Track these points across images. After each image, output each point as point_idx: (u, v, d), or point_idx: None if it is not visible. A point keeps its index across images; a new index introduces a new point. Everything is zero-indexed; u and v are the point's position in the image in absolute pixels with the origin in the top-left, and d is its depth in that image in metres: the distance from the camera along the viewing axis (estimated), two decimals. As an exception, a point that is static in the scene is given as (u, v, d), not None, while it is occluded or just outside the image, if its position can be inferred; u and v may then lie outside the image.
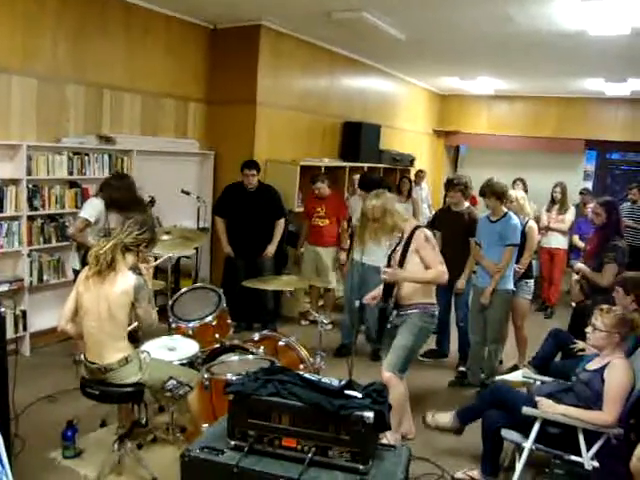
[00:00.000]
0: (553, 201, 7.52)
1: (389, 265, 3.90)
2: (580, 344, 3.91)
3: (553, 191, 7.54)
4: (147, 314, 3.25)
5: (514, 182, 8.00)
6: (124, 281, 3.16)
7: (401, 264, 3.82)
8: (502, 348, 5.23)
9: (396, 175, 9.08)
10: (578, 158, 11.21)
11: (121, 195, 4.77)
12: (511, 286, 4.90)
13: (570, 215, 7.49)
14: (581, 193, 8.78)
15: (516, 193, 5.35)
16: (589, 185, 10.91)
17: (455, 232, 5.22)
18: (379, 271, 4.55)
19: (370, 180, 5.76)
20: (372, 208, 3.79)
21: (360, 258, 5.01)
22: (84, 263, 4.65)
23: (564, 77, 8.87)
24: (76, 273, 4.95)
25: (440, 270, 3.72)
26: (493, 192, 4.83)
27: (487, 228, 4.94)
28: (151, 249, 3.47)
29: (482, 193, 4.99)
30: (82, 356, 3.34)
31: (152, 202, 5.45)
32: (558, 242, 7.41)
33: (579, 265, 5.00)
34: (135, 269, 3.27)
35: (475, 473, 3.60)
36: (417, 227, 3.86)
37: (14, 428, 3.49)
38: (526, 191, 7.19)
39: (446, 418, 3.89)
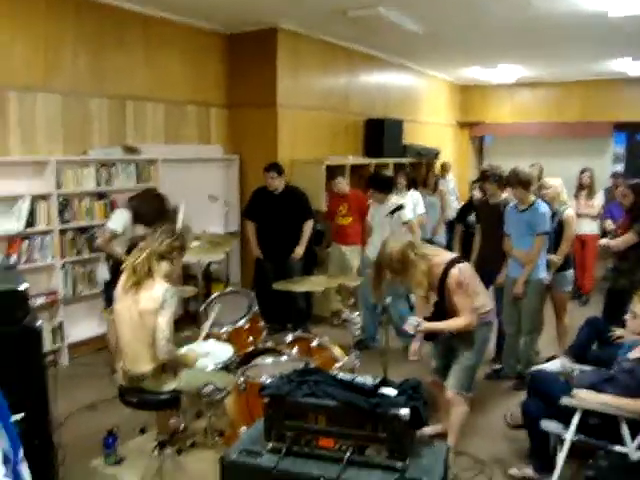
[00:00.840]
0: (581, 186, 7.40)
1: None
2: (618, 331, 3.83)
3: (581, 176, 7.43)
4: (164, 329, 3.17)
5: (530, 167, 7.90)
6: (154, 288, 3.21)
7: (441, 306, 3.63)
8: (537, 338, 5.16)
9: (422, 169, 9.01)
10: (606, 141, 11.00)
11: (148, 209, 4.84)
12: (544, 275, 4.82)
13: (599, 200, 7.38)
14: (613, 176, 8.61)
15: (551, 181, 5.26)
16: (619, 168, 10.69)
17: (493, 224, 5.13)
18: None
19: (380, 179, 5.75)
20: (390, 256, 3.42)
21: (372, 255, 5.10)
22: (114, 273, 4.74)
23: (586, 60, 8.72)
24: (106, 284, 5.01)
25: (469, 320, 3.48)
26: (519, 181, 4.76)
27: (515, 218, 4.87)
28: (182, 257, 3.50)
29: (508, 182, 4.93)
30: (120, 364, 3.39)
31: (175, 211, 5.46)
32: (589, 228, 7.28)
33: (602, 241, 4.96)
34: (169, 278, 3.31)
35: (529, 470, 3.55)
36: (449, 266, 3.50)
37: (57, 438, 3.54)
38: (541, 176, 7.08)
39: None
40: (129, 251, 4.72)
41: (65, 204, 5.22)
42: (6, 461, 1.13)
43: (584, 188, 7.37)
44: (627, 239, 4.62)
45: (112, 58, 5.63)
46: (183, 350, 3.66)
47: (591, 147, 10.78)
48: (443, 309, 3.59)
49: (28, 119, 5.05)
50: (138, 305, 3.20)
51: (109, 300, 4.93)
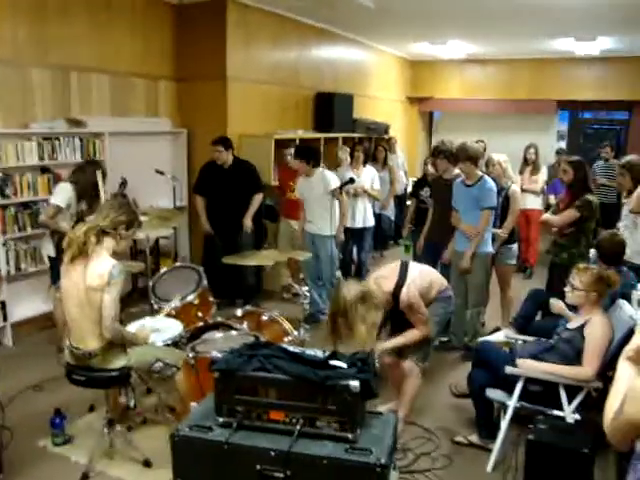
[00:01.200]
0: (526, 162, 7.57)
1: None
2: (555, 306, 3.94)
3: (526, 152, 7.59)
4: (110, 307, 3.12)
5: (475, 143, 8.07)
6: (100, 265, 3.13)
7: (399, 324, 3.77)
8: (484, 311, 5.31)
9: (371, 144, 9.05)
10: (551, 119, 11.27)
11: (88, 182, 4.77)
12: (490, 249, 4.95)
13: (542, 175, 7.56)
14: (557, 153, 8.84)
15: (498, 157, 5.36)
16: (563, 145, 11.00)
17: (447, 199, 5.18)
18: (328, 238, 5.36)
19: (306, 150, 5.76)
20: (343, 306, 3.30)
21: (309, 229, 5.58)
22: (58, 250, 4.63)
23: (534, 38, 8.84)
24: (51, 260, 4.90)
25: (425, 331, 3.67)
26: (467, 156, 4.84)
27: (463, 193, 4.96)
28: (134, 231, 3.41)
29: (456, 158, 5.00)
30: (67, 342, 3.33)
31: (124, 184, 5.38)
32: (533, 203, 7.47)
33: (544, 216, 5.11)
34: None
35: (473, 437, 3.68)
36: (396, 293, 3.63)
37: (1, 419, 3.47)
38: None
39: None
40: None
41: (6, 179, 5.03)
42: None
43: (529, 164, 7.55)
44: (568, 215, 4.75)
45: (55, 27, 5.39)
46: (133, 328, 3.62)
47: (536, 124, 11.02)
48: (398, 314, 3.73)
49: (-36, 90, 4.83)
50: (85, 281, 3.13)
51: (55, 277, 4.83)
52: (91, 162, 5.12)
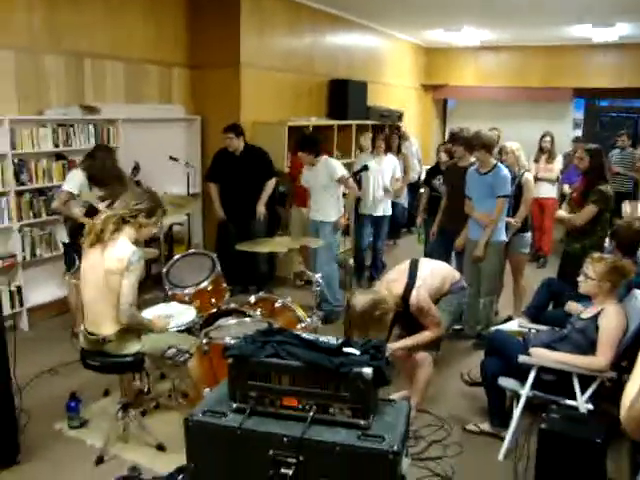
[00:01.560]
0: (541, 150, 7.51)
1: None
2: (572, 307, 3.92)
3: (542, 140, 7.53)
4: (128, 292, 3.14)
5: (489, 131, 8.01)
6: (120, 250, 3.16)
7: (411, 326, 3.78)
8: (497, 299, 5.30)
9: (385, 131, 9.00)
10: (566, 107, 11.16)
11: (99, 168, 4.79)
12: (504, 237, 4.93)
13: (558, 164, 7.50)
14: (574, 141, 8.75)
15: (511, 145, 5.32)
16: (579, 133, 10.89)
17: (461, 187, 5.15)
18: (331, 224, 5.36)
19: (309, 140, 5.66)
20: (355, 314, 3.38)
21: (315, 217, 5.58)
22: (72, 236, 4.67)
23: (550, 25, 8.75)
24: (65, 246, 4.94)
25: (436, 333, 3.69)
26: (482, 144, 4.81)
27: (477, 181, 4.94)
28: (157, 220, 3.40)
29: (471, 146, 4.97)
30: (81, 327, 3.36)
31: (137, 168, 5.37)
32: (547, 192, 7.42)
33: (558, 213, 5.05)
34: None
35: (485, 425, 3.69)
36: (406, 296, 3.65)
37: (18, 402, 3.51)
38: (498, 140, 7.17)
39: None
40: (88, 213, 4.67)
41: (21, 165, 5.07)
42: None
43: (544, 152, 7.48)
44: (586, 212, 4.64)
45: (69, 14, 5.40)
46: (148, 315, 3.65)
47: (552, 112, 10.92)
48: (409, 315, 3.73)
49: (-21, 76, 4.86)
50: (103, 265, 3.15)
51: (69, 263, 4.87)
52: (100, 147, 5.11)
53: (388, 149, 6.79)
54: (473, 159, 5.21)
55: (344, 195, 5.74)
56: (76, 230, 4.73)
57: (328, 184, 5.49)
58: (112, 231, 3.18)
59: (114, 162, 4.96)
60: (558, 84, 10.57)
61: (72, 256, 4.80)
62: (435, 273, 3.83)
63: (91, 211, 4.79)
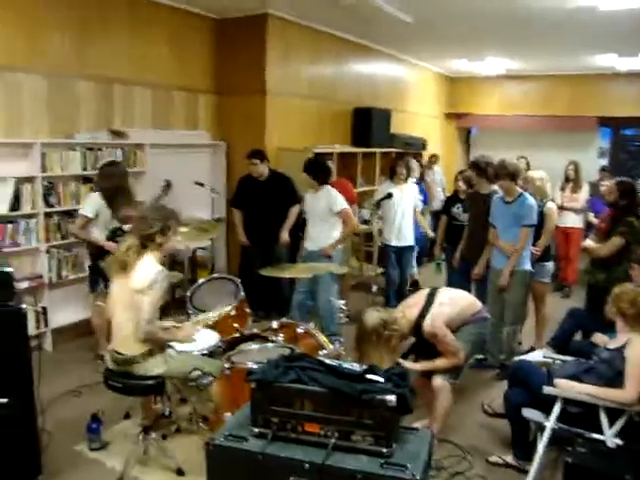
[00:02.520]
0: (567, 179, 7.46)
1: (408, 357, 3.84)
2: (598, 339, 3.86)
3: (567, 169, 7.48)
4: (147, 309, 3.16)
5: (517, 159, 7.99)
6: (145, 269, 3.22)
7: (428, 355, 3.76)
8: (521, 329, 5.23)
9: (405, 158, 9.02)
10: (592, 136, 11.09)
11: (106, 184, 4.82)
12: (529, 267, 4.88)
13: (584, 193, 7.43)
14: (602, 170, 8.69)
15: (534, 174, 5.30)
16: (604, 162, 10.80)
17: (482, 214, 5.15)
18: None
19: (316, 165, 5.58)
20: (365, 331, 3.37)
21: (309, 247, 5.41)
22: (93, 259, 4.73)
23: (575, 54, 8.76)
24: (89, 268, 4.98)
25: (455, 361, 3.65)
26: (507, 173, 4.80)
27: (502, 209, 4.91)
28: (174, 231, 3.41)
29: (495, 174, 4.96)
30: (109, 347, 3.40)
31: (168, 186, 5.32)
32: (573, 221, 7.35)
33: (585, 243, 4.99)
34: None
35: (509, 457, 3.62)
36: (419, 322, 3.64)
37: (41, 423, 3.53)
38: (528, 169, 7.15)
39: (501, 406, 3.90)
40: (111, 237, 4.74)
41: (50, 187, 5.17)
42: None
43: (569, 181, 7.43)
44: (613, 244, 4.57)
45: (99, 40, 5.56)
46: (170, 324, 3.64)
47: (577, 141, 10.87)
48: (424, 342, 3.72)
49: (13, 101, 4.98)
50: (132, 288, 3.21)
51: (92, 285, 4.92)
52: (108, 164, 5.11)
53: (409, 176, 6.73)
54: (494, 187, 5.20)
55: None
56: (97, 254, 4.81)
57: (327, 214, 5.35)
58: (135, 259, 3.24)
59: (125, 180, 4.96)
60: (583, 113, 10.55)
61: (95, 278, 4.86)
62: (454, 302, 3.79)
63: (116, 234, 4.86)
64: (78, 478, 3.41)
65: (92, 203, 4.81)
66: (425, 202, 7.45)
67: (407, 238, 6.42)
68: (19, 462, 3.18)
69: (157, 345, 3.33)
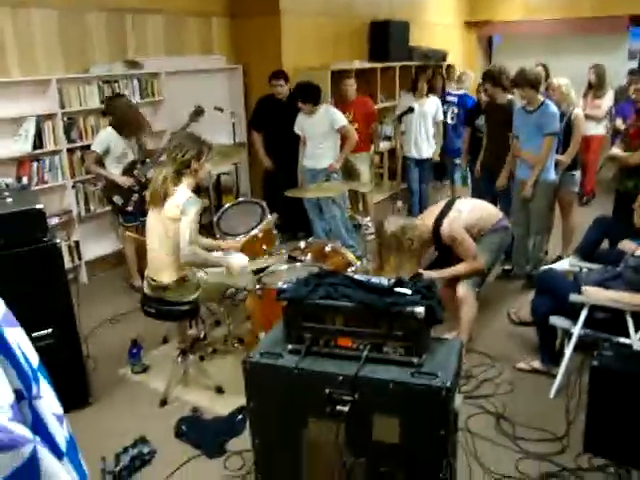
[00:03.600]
0: (590, 85, 7.17)
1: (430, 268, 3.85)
2: (626, 246, 3.83)
3: (588, 74, 7.16)
4: (185, 230, 3.23)
5: (535, 67, 7.70)
6: (178, 197, 3.29)
7: (445, 259, 3.78)
8: (547, 239, 5.22)
9: (429, 72, 8.78)
10: (622, 37, 10.61)
11: (114, 118, 4.89)
12: (553, 176, 4.82)
13: (607, 100, 7.12)
14: (630, 73, 8.33)
15: (559, 80, 5.14)
16: (634, 65, 10.36)
17: (499, 124, 5.12)
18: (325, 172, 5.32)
19: (307, 88, 5.49)
20: (386, 238, 3.47)
21: (307, 164, 5.53)
22: (107, 193, 4.93)
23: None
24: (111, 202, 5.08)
25: (475, 265, 3.68)
26: (527, 81, 4.66)
27: (524, 119, 4.81)
28: (208, 158, 3.47)
29: (515, 83, 4.83)
30: (145, 273, 3.51)
31: (197, 113, 5.19)
32: (593, 129, 7.02)
33: (612, 151, 4.88)
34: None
35: (536, 363, 3.71)
36: (436, 228, 3.68)
37: (85, 350, 3.71)
38: (547, 77, 6.90)
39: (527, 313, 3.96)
40: (128, 170, 4.81)
41: (71, 123, 5.18)
42: (20, 398, 1.09)
43: (591, 87, 7.14)
44: None
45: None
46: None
47: (606, 43, 10.41)
48: (445, 253, 3.77)
49: (25, 37, 4.92)
50: (164, 214, 3.30)
51: (117, 217, 5.04)
52: (109, 98, 5.14)
53: (430, 90, 6.62)
54: (510, 96, 5.12)
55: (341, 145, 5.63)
56: (110, 188, 4.89)
57: (328, 132, 5.43)
58: (172, 189, 3.28)
59: (134, 109, 5.02)
60: (612, 12, 10.02)
61: (123, 211, 4.97)
62: (474, 209, 3.84)
63: (131, 168, 4.93)
64: (125, 399, 3.60)
65: (102, 138, 4.87)
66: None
67: (427, 151, 6.44)
68: (69, 388, 3.35)
69: (203, 267, 3.43)
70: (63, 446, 1.15)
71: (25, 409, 1.10)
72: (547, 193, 4.82)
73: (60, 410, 1.20)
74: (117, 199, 4.91)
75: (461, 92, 7.33)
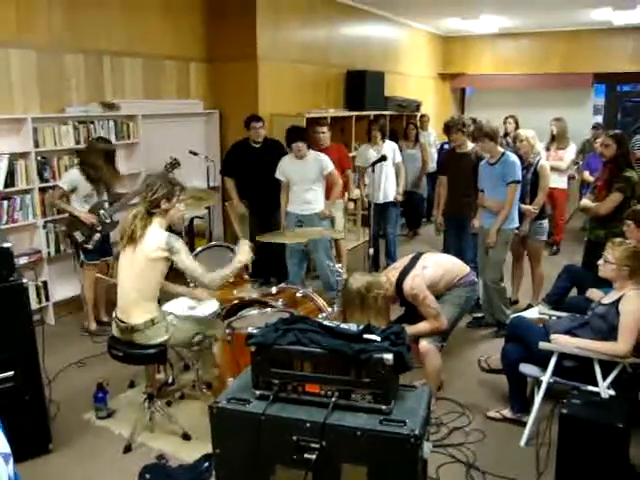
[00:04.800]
0: (553, 138, 7.33)
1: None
2: (594, 295, 3.89)
3: (550, 126, 7.27)
4: (190, 267, 3.31)
5: (505, 119, 7.96)
6: (156, 238, 3.27)
7: (411, 314, 3.79)
8: (517, 286, 5.30)
9: (402, 121, 9.00)
10: (587, 93, 11.04)
11: (86, 160, 4.91)
12: (515, 224, 4.91)
13: (570, 152, 7.23)
14: (594, 127, 8.61)
15: (525, 132, 5.29)
16: (599, 119, 10.74)
17: (462, 173, 5.22)
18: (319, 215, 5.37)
19: (303, 131, 5.68)
20: (350, 294, 3.44)
21: (298, 210, 5.46)
22: (69, 228, 4.89)
23: (569, 9, 8.65)
24: (69, 241, 5.08)
25: (436, 324, 3.64)
26: (484, 134, 4.81)
27: (487, 171, 4.96)
28: (178, 199, 3.44)
29: (474, 137, 4.98)
30: (114, 314, 3.47)
31: (174, 164, 5.21)
32: (556, 181, 6.91)
33: (582, 202, 5.01)
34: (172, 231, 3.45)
35: (506, 411, 3.70)
36: (399, 283, 3.65)
37: (48, 394, 3.61)
38: (517, 128, 7.07)
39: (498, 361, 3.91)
40: (92, 210, 4.85)
41: (44, 162, 5.16)
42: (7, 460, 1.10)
43: (554, 139, 7.27)
44: (612, 200, 4.57)
45: (88, 13, 5.46)
46: (170, 308, 3.72)
47: (572, 98, 10.81)
48: (411, 308, 3.76)
49: (2, 76, 4.93)
50: (141, 255, 3.27)
51: (77, 256, 5.01)
52: (92, 141, 5.14)
53: (384, 137, 6.72)
54: (471, 145, 5.26)
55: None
56: (71, 225, 4.89)
57: (317, 178, 5.45)
58: (142, 227, 3.28)
59: (106, 156, 4.98)
60: (578, 70, 10.46)
61: (76, 250, 4.99)
62: (438, 264, 3.80)
63: (97, 207, 4.96)
64: (87, 445, 3.49)
65: (71, 177, 4.88)
66: None
67: (389, 195, 6.52)
68: (30, 432, 3.26)
69: (163, 320, 3.41)
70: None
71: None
72: (506, 241, 4.89)
73: (7, 449, 1.18)
74: (78, 235, 4.89)
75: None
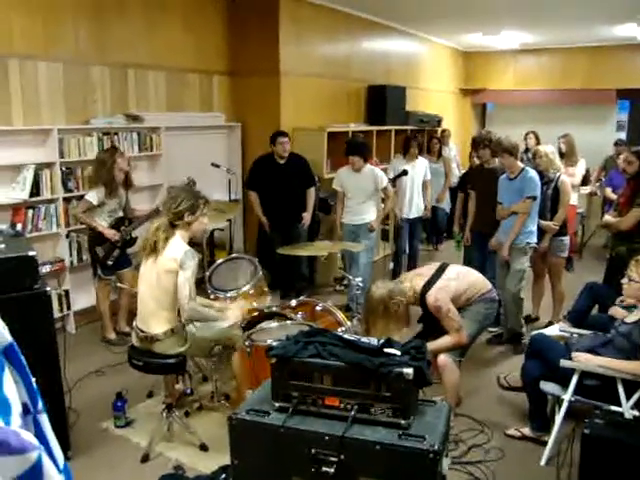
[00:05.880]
0: (560, 154, 7.24)
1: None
2: (617, 313, 3.84)
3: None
4: (184, 286, 3.27)
5: (526, 135, 7.92)
6: (174, 250, 3.31)
7: (432, 329, 3.76)
8: (537, 304, 5.24)
9: (424, 136, 9.00)
10: (610, 109, 10.94)
11: (104, 175, 4.89)
12: (533, 240, 4.87)
13: (580, 168, 7.16)
14: (616, 144, 8.53)
15: (545, 148, 5.27)
16: (622, 136, 10.64)
17: (488, 189, 5.19)
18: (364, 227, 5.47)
19: (362, 144, 5.77)
20: (371, 304, 3.45)
21: (347, 221, 5.67)
22: (91, 243, 4.90)
23: (592, 25, 8.61)
24: (90, 255, 5.09)
25: (457, 339, 3.60)
26: (503, 149, 4.82)
27: (507, 186, 4.96)
28: (202, 212, 3.48)
29: (494, 153, 4.98)
30: (134, 324, 3.50)
31: (190, 184, 5.20)
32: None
33: (605, 218, 4.96)
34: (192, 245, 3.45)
35: (526, 430, 3.65)
36: (423, 294, 3.63)
37: (68, 401, 3.63)
38: (538, 144, 7.01)
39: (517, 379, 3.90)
40: (115, 225, 4.89)
41: (69, 173, 5.24)
42: (26, 412, 1.19)
43: (563, 156, 7.21)
44: (634, 216, 4.50)
45: (113, 26, 5.58)
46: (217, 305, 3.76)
47: (594, 114, 10.74)
48: (431, 318, 3.71)
49: (31, 88, 5.04)
50: (158, 265, 3.31)
51: (95, 270, 5.04)
52: (103, 151, 5.14)
53: (420, 153, 6.81)
54: (497, 160, 5.26)
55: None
56: (94, 239, 4.91)
57: (372, 191, 5.62)
58: (164, 239, 3.31)
59: (115, 168, 4.96)
60: (601, 86, 10.38)
61: (95, 264, 5.03)
62: (463, 278, 3.78)
63: (118, 224, 4.97)
64: (105, 454, 3.50)
65: (97, 191, 4.88)
66: None
67: (417, 210, 6.64)
68: (48, 440, 3.28)
69: (203, 321, 3.44)
70: (60, 462, 1.23)
71: (29, 422, 1.20)
72: (523, 253, 4.86)
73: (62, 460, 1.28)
74: (100, 251, 4.93)
75: None
